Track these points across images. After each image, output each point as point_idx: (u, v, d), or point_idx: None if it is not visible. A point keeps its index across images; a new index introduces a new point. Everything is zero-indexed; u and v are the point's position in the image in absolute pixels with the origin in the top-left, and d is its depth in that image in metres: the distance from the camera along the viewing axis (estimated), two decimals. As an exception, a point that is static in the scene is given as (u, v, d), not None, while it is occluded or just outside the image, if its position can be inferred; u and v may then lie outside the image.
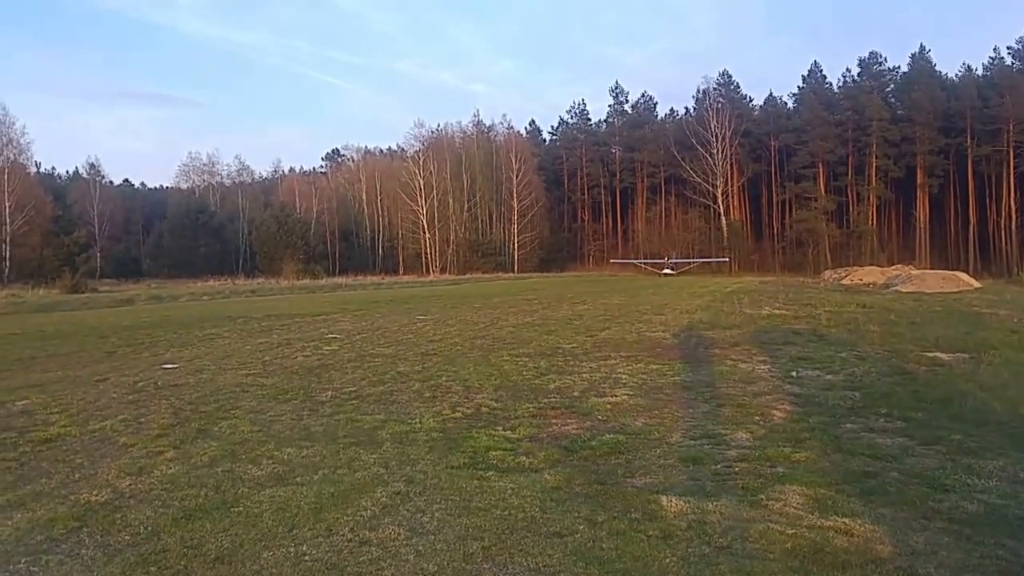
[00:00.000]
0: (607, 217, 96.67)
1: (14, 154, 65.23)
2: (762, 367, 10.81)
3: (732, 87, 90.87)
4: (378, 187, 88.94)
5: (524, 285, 46.65)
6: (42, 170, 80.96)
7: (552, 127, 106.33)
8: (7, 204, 59.76)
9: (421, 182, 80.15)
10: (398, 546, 4.31)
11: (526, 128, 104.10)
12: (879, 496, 5.01)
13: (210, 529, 4.61)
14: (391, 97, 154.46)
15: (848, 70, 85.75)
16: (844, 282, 41.14)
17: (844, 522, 4.53)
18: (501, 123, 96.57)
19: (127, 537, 4.51)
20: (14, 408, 8.55)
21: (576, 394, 8.92)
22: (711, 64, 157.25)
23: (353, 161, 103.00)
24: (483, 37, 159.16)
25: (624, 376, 10.16)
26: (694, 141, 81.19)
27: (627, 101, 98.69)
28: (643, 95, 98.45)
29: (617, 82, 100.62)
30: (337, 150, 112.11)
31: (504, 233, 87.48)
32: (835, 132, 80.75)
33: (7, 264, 59.07)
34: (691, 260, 74.68)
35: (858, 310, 21.17)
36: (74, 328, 19.43)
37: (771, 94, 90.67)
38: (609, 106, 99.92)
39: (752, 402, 8.23)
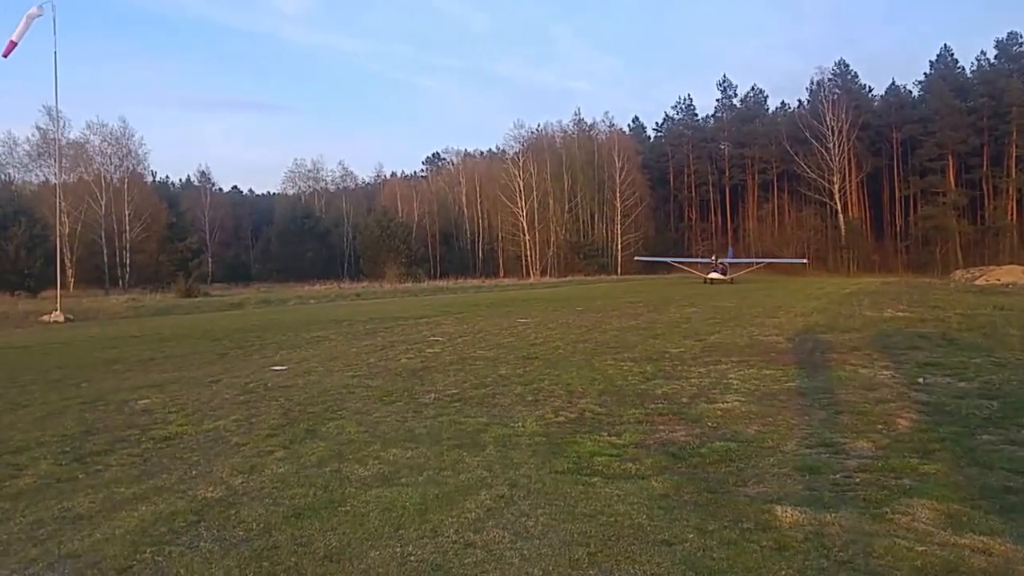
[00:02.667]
0: (716, 216, 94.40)
1: (132, 165, 69.92)
2: (885, 373, 10.20)
3: (849, 77, 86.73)
4: (478, 189, 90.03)
5: (628, 287, 46.11)
6: (157, 179, 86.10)
7: (657, 124, 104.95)
8: (127, 213, 63.91)
9: (521, 183, 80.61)
10: (503, 549, 4.27)
11: (629, 125, 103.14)
12: (1022, 514, 4.59)
13: (319, 527, 4.71)
14: (490, 99, 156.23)
15: (983, 53, 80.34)
16: (978, 282, 38.60)
17: (982, 540, 4.17)
18: (603, 121, 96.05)
19: (241, 532, 4.67)
20: (136, 407, 9.05)
21: (684, 400, 8.66)
22: (826, 54, 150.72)
23: (453, 164, 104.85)
24: (584, 34, 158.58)
25: (735, 381, 9.81)
26: (808, 135, 77.91)
27: (736, 95, 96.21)
28: (753, 88, 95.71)
29: (725, 75, 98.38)
30: (437, 154, 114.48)
31: (606, 234, 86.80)
32: (967, 121, 75.59)
33: (127, 270, 63.19)
34: (752, 260, 64.50)
35: (995, 312, 19.74)
36: (188, 331, 20.53)
37: (893, 83, 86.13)
38: (717, 101, 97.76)
39: (874, 409, 7.76)
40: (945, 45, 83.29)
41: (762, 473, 5.64)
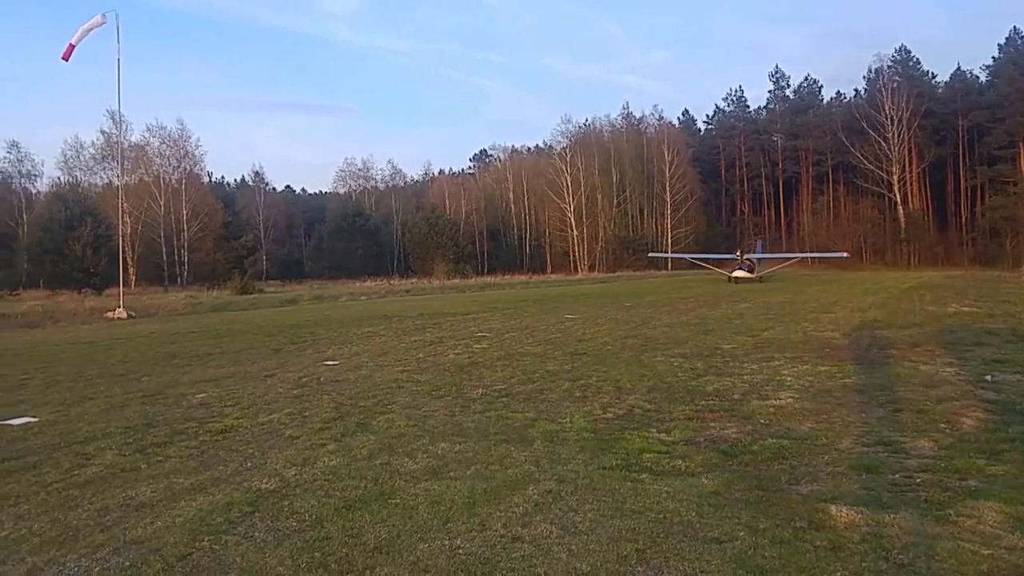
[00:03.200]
0: (769, 209, 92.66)
1: (190, 166, 71.63)
2: (948, 370, 9.89)
3: (910, 63, 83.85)
4: (525, 186, 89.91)
5: (679, 282, 45.66)
6: (214, 180, 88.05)
7: (707, 116, 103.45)
8: (184, 212, 65.53)
9: (568, 179, 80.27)
10: (550, 544, 4.28)
11: (679, 119, 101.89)
12: (1094, 518, 4.41)
13: (369, 519, 4.78)
14: (538, 94, 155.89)
15: (1056, 35, 76.52)
16: (1052, 275, 36.99)
17: (1051, 545, 4.02)
18: (652, 114, 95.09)
19: (294, 523, 4.77)
20: (194, 400, 9.32)
21: (736, 396, 8.55)
22: (884, 41, 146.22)
23: (500, 160, 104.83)
24: (633, 27, 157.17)
25: (789, 378, 9.64)
26: (865, 125, 75.62)
27: (788, 86, 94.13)
28: (806, 78, 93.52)
29: (777, 66, 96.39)
30: (484, 150, 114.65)
31: (656, 228, 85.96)
32: (1040, 106, 72.15)
33: (185, 267, 64.80)
34: (784, 256, 57.49)
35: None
36: (244, 327, 21.00)
37: (959, 68, 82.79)
38: (769, 92, 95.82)
39: (936, 408, 7.53)
40: (1015, 28, 79.55)
41: (816, 471, 5.53)
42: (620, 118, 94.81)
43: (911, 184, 78.53)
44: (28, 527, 4.80)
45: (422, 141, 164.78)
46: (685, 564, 3.94)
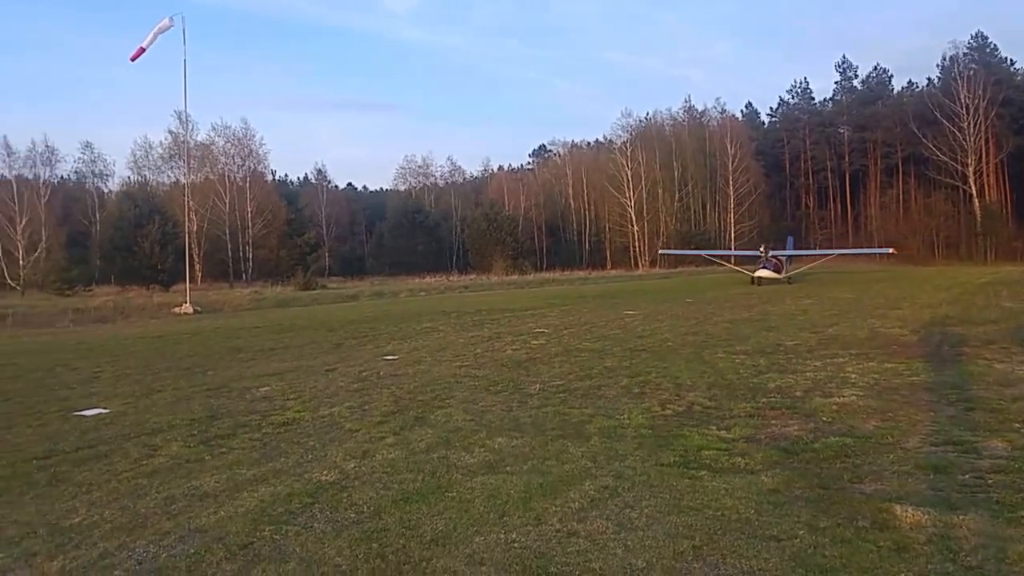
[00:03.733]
0: (835, 203, 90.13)
1: (254, 164, 73.23)
2: (1024, 367, 9.48)
3: (988, 50, 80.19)
4: (584, 180, 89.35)
5: (742, 278, 44.78)
6: (277, 178, 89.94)
7: (771, 109, 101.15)
8: (249, 210, 67.08)
9: (629, 173, 79.45)
10: (606, 539, 4.26)
11: (742, 111, 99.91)
12: None
13: (426, 512, 4.83)
14: (597, 88, 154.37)
15: None
16: None
17: None
18: (714, 107, 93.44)
19: (352, 515, 4.85)
20: (257, 394, 9.56)
21: (798, 394, 8.35)
22: (960, 28, 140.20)
23: (559, 156, 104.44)
24: (694, 19, 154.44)
25: (853, 375, 9.38)
26: (938, 115, 72.56)
27: (856, 76, 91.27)
28: (875, 68, 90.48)
29: (844, 56, 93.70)
30: (544, 146, 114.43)
31: (719, 223, 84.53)
32: None
33: (250, 264, 66.40)
34: (819, 252, 51.02)
35: None
36: (306, 322, 21.45)
37: (1040, 53, 78.71)
38: (836, 83, 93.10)
39: (1011, 407, 7.22)
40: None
41: (880, 470, 5.36)
42: (682, 111, 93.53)
43: (988, 175, 75.10)
44: (100, 513, 5.00)
45: (481, 137, 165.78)
46: (742, 561, 3.87)
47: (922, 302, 21.75)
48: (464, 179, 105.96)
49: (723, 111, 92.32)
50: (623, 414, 7.52)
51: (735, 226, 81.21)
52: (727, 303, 23.75)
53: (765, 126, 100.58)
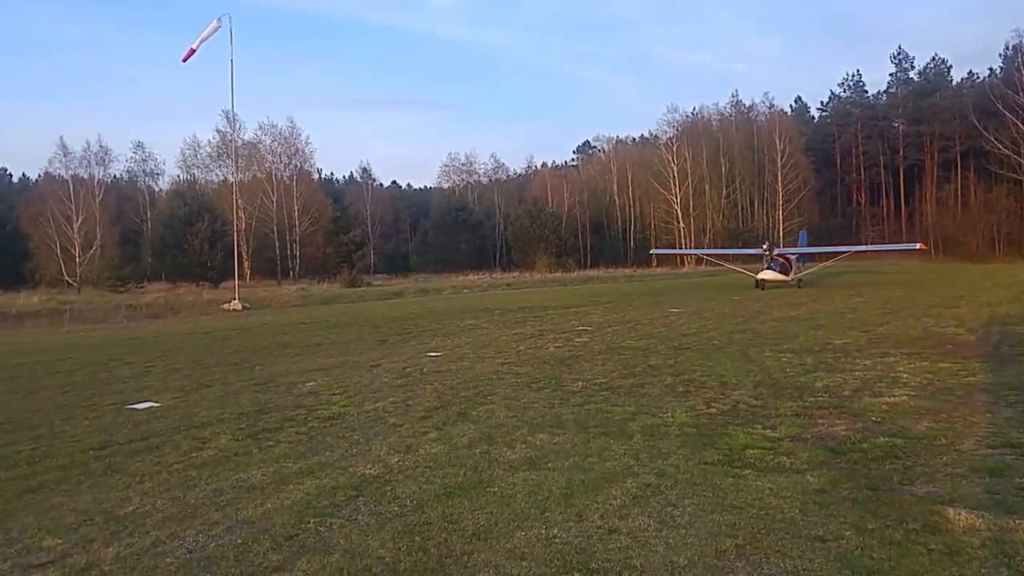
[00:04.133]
0: (887, 199, 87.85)
1: (300, 163, 74.29)
2: (1087, 367, 9.14)
3: (1055, 38, 77.11)
4: (629, 177, 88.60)
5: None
6: (323, 176, 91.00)
7: (821, 103, 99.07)
8: (296, 208, 68.10)
9: (675, 169, 78.63)
10: (647, 537, 4.23)
11: (791, 106, 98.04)
12: None
13: (468, 506, 4.86)
14: (643, 84, 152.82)
15: None
16: None
17: None
18: (762, 102, 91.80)
19: (396, 508, 4.90)
20: (304, 388, 9.73)
21: (846, 393, 8.19)
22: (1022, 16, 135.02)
23: (604, 152, 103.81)
24: (744, 13, 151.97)
25: (905, 375, 9.15)
26: (1000, 106, 69.96)
27: (912, 67, 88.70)
28: (933, 59, 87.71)
29: (900, 47, 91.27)
30: (588, 142, 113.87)
31: (767, 220, 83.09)
32: None
33: (297, 261, 67.42)
34: (834, 250, 40.42)
35: None
36: (352, 318, 21.75)
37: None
38: (890, 75, 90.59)
39: (1072, 408, 6.97)
40: None
41: (932, 472, 5.22)
42: (729, 106, 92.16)
43: (1052, 169, 72.35)
44: (152, 503, 5.15)
45: (524, 134, 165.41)
46: (787, 561, 3.81)
47: (980, 300, 21.13)
48: (507, 176, 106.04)
49: (771, 106, 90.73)
50: (667, 412, 7.46)
51: (783, 223, 79.73)
52: (774, 301, 23.37)
53: (815, 120, 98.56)
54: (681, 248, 78.70)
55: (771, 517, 4.43)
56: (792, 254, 35.77)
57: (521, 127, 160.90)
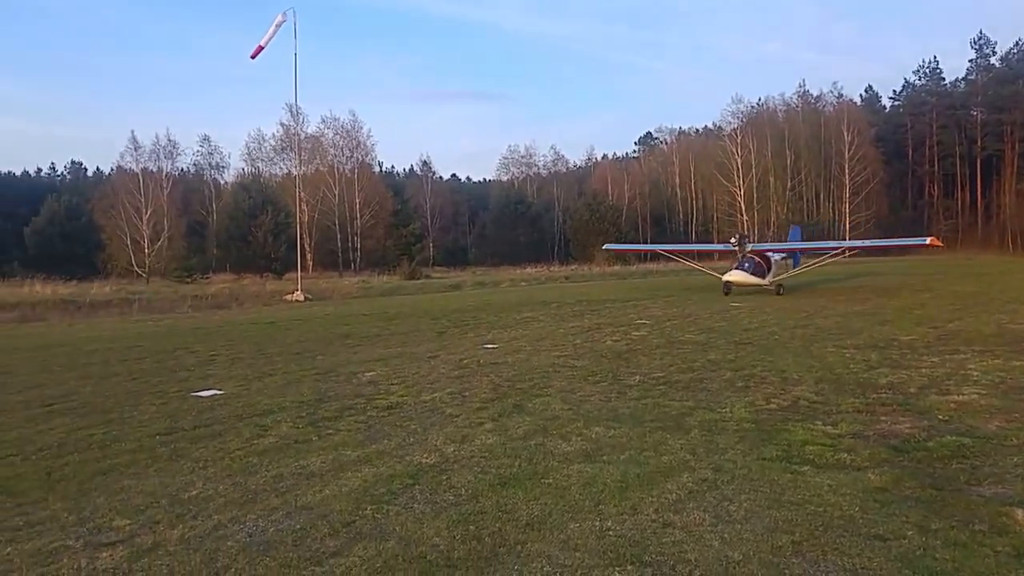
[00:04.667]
0: (963, 191, 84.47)
1: (362, 156, 75.09)
2: None
3: None
4: (692, 169, 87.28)
5: (855, 270, 42.77)
6: (384, 169, 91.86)
7: (894, 92, 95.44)
8: (357, 201, 68.93)
9: (739, 161, 77.03)
10: (702, 531, 4.20)
11: (861, 96, 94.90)
12: None
13: (522, 497, 4.89)
14: (707, 74, 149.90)
15: None
16: None
17: None
18: (830, 92, 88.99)
19: (451, 497, 4.96)
20: (363, 378, 9.89)
21: (912, 390, 7.94)
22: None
23: (666, 143, 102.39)
24: (812, 1, 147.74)
25: (975, 373, 8.83)
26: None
27: (994, 53, 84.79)
28: (1017, 43, 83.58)
29: (981, 32, 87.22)
30: (650, 133, 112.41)
31: (833, 213, 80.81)
32: None
33: (358, 253, 68.29)
34: (824, 245, 33.40)
35: None
36: (411, 310, 21.98)
37: None
38: (970, 62, 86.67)
39: None
40: None
41: (1002, 473, 5.03)
42: (795, 96, 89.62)
43: None
44: (215, 488, 5.32)
45: (585, 126, 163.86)
46: (845, 559, 3.73)
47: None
48: (567, 168, 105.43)
49: (840, 95, 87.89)
50: (725, 407, 7.36)
51: (850, 216, 77.50)
52: (839, 295, 22.77)
53: (887, 110, 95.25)
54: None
55: (829, 514, 4.35)
56: (776, 251, 28.01)
57: (581, 119, 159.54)
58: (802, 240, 36.10)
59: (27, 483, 5.59)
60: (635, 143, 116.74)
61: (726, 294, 24.10)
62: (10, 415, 8.11)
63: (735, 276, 24.84)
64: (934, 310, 17.07)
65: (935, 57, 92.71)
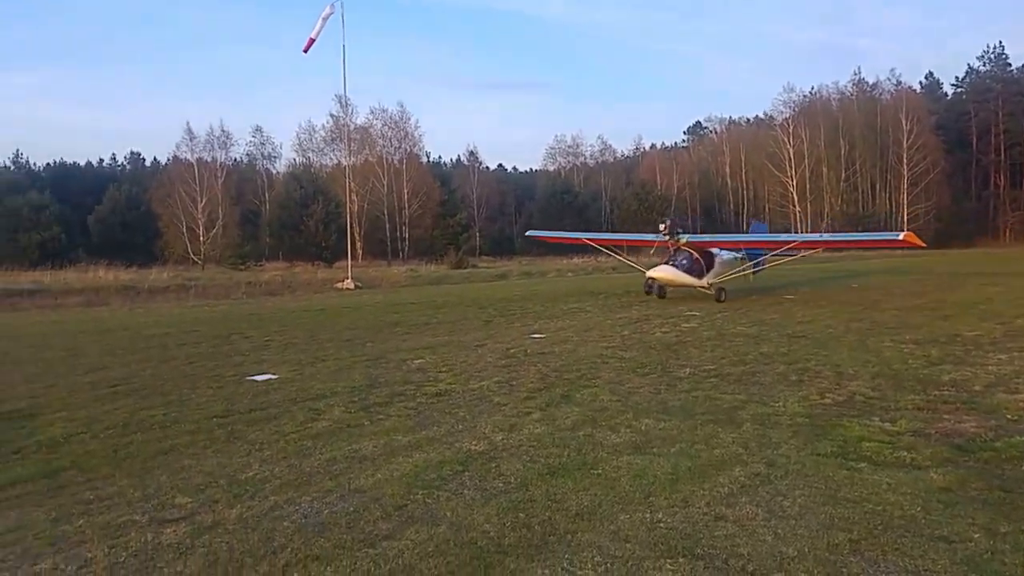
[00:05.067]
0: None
1: (409, 147, 75.55)
2: None
3: None
4: (742, 159, 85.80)
5: (913, 262, 41.57)
6: (431, 160, 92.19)
7: (956, 79, 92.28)
8: (405, 191, 69.49)
9: (791, 151, 75.48)
10: (755, 526, 4.13)
11: (921, 83, 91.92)
12: None
13: (571, 487, 4.88)
14: (758, 62, 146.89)
15: None
16: None
17: None
18: (888, 79, 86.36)
19: (500, 484, 4.98)
20: (412, 365, 9.99)
21: (977, 388, 7.69)
22: None
23: (716, 133, 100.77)
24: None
25: (1046, 370, 8.50)
26: None
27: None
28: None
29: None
30: (699, 123, 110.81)
31: (890, 204, 78.59)
32: None
33: (406, 243, 68.81)
34: (789, 238, 23.47)
35: None
36: (458, 299, 22.08)
37: None
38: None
39: None
40: None
41: (1076, 476, 4.84)
42: (850, 85, 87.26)
43: None
44: (270, 470, 5.43)
45: (633, 115, 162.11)
46: (906, 560, 3.63)
47: None
48: (615, 158, 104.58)
49: (898, 83, 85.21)
50: (778, 401, 7.23)
51: (908, 208, 75.30)
52: (896, 288, 22.16)
53: (948, 97, 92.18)
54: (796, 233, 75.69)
55: (888, 513, 4.24)
56: (724, 246, 21.99)
57: (629, 108, 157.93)
58: (765, 235, 26.99)
59: (96, 460, 5.82)
60: (684, 132, 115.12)
61: (648, 293, 20.06)
62: (80, 395, 8.43)
63: (662, 273, 19.64)
64: (1001, 304, 16.49)
65: (1000, 43, 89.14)
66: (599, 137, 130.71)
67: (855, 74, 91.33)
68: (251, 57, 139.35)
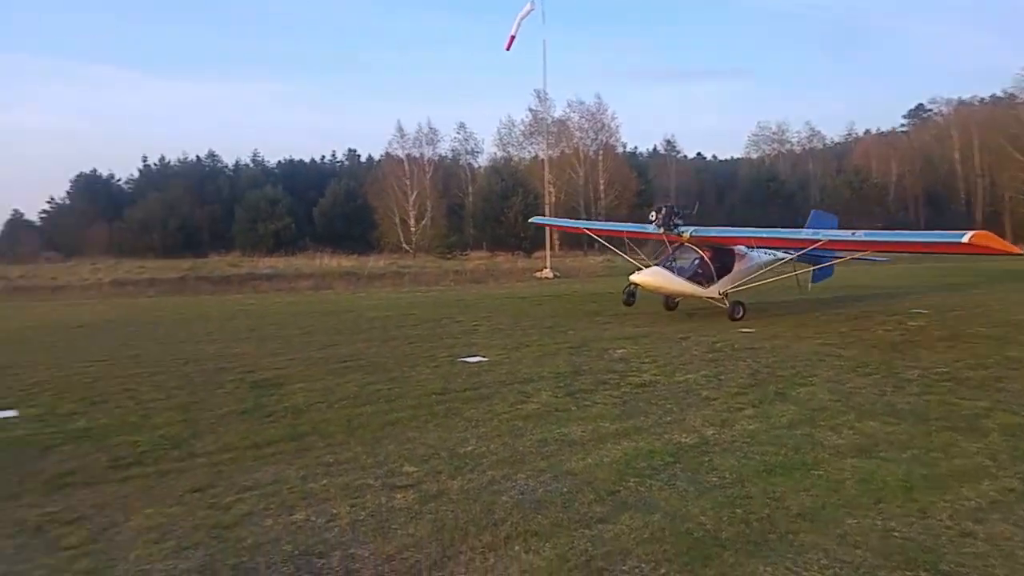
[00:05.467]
0: None
1: (606, 138, 75.01)
2: None
3: None
4: (975, 143, 76.89)
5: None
6: (627, 150, 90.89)
7: None
8: (601, 182, 69.25)
9: (1038, 133, 66.75)
10: (1012, 547, 3.75)
11: None
12: None
13: (791, 486, 4.67)
14: (994, 36, 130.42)
15: None
16: None
17: None
18: None
19: (714, 479, 4.87)
20: (614, 355, 9.97)
21: None
22: None
23: (941, 115, 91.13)
24: None
25: None
26: None
27: None
28: None
29: None
30: (921, 105, 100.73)
31: None
32: None
33: (602, 234, 68.68)
34: (867, 238, 14.49)
35: None
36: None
37: None
38: None
39: None
40: None
41: None
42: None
43: None
44: (487, 446, 5.68)
45: (843, 99, 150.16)
46: None
47: None
48: (824, 145, 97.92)
49: None
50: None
51: None
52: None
53: None
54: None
55: None
56: (758, 243, 15.76)
57: (839, 92, 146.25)
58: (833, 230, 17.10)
59: (333, 427, 6.38)
60: (903, 116, 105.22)
61: (628, 304, 15.02)
62: (316, 368, 9.28)
63: (648, 278, 14.26)
64: None
65: None
66: (807, 123, 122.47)
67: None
68: (454, 57, 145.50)
